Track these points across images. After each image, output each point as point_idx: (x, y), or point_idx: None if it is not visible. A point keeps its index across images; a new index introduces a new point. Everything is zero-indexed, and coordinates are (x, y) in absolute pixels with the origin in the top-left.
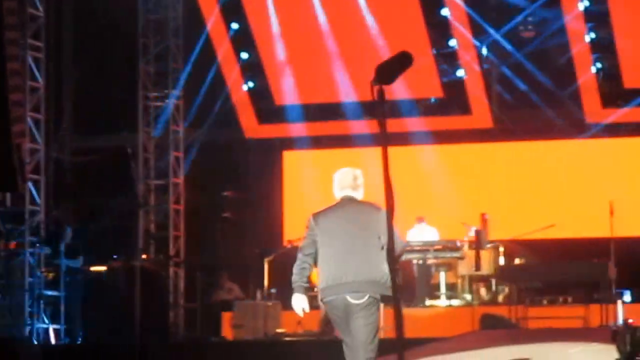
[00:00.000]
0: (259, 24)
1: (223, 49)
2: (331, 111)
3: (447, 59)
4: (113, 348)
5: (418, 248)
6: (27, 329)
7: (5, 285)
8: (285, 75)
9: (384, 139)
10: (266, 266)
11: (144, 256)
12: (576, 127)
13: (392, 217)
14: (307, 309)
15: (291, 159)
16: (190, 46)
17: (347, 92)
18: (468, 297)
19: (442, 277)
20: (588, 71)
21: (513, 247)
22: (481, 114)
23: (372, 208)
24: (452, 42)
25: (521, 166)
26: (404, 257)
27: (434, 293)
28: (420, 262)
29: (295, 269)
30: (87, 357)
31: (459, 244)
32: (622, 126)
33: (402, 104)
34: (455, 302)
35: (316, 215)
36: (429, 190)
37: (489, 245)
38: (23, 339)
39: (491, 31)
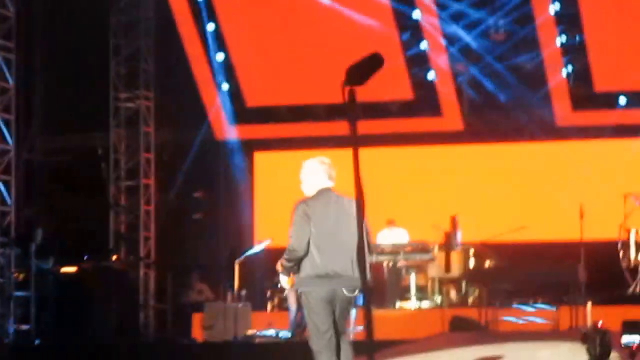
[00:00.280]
0: (231, 25)
1: (194, 50)
2: (302, 112)
3: (418, 62)
4: (83, 348)
5: (388, 250)
6: None
7: None
8: (256, 77)
9: (355, 141)
10: (237, 267)
11: (114, 257)
12: (547, 130)
13: (363, 218)
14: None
15: (262, 160)
16: (161, 47)
17: (318, 94)
18: (438, 299)
19: (412, 279)
20: (559, 74)
21: (483, 249)
22: (452, 116)
23: (353, 202)
24: (423, 45)
25: (492, 168)
26: (375, 259)
27: (404, 295)
28: (391, 264)
29: (291, 261)
30: (57, 358)
31: (429, 246)
32: (592, 129)
33: (373, 106)
34: (425, 304)
35: (307, 203)
36: (400, 192)
37: (459, 248)
38: None
39: (462, 34)
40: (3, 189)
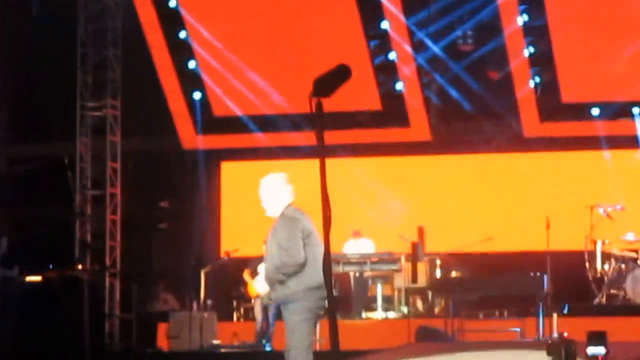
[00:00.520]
0: (198, 35)
1: (162, 59)
2: (269, 123)
3: (386, 72)
4: (48, 358)
5: (355, 260)
6: None
7: None
8: (223, 86)
9: (322, 151)
10: (202, 277)
11: (79, 266)
12: (514, 141)
13: (329, 229)
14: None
15: (229, 170)
16: (129, 56)
17: (286, 104)
18: (404, 309)
19: (379, 289)
20: (526, 85)
21: (450, 260)
22: (419, 126)
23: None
24: (392, 55)
25: (459, 179)
26: (342, 269)
27: (370, 305)
28: (357, 274)
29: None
30: None
31: (395, 256)
32: (559, 140)
33: (341, 116)
34: (392, 315)
35: (297, 218)
36: (367, 202)
37: (425, 258)
38: None
39: (430, 44)
40: None
